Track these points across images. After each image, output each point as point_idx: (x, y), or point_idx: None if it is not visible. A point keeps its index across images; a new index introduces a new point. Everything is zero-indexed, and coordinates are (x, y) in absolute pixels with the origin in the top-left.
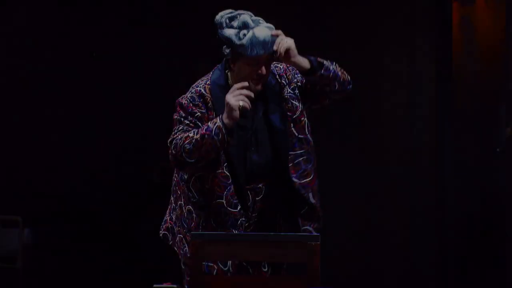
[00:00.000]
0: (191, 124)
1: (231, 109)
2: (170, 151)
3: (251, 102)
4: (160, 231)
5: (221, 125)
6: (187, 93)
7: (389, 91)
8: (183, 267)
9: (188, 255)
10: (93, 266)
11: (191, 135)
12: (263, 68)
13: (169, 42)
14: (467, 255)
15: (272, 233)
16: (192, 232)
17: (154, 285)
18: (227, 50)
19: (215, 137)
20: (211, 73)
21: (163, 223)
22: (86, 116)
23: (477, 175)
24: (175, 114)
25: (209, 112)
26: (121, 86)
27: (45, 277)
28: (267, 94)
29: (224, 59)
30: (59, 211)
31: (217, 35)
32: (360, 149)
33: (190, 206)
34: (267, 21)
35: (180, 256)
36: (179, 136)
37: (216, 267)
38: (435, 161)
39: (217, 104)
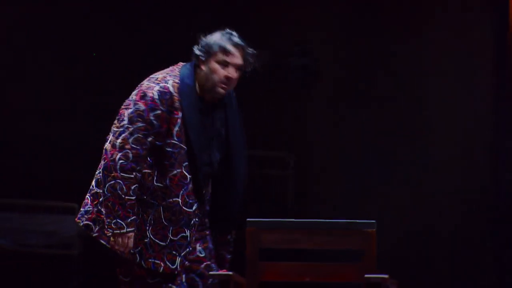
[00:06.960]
0: (141, 128)
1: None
2: (112, 154)
3: (208, 110)
4: (81, 221)
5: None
6: (152, 83)
7: (444, 84)
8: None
9: (133, 251)
10: None
11: (126, 202)
12: (233, 72)
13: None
14: None
15: (327, 220)
16: (248, 220)
17: None
18: (198, 51)
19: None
20: (177, 68)
21: (83, 213)
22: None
23: None
24: (131, 101)
25: (174, 112)
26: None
27: (101, 264)
28: (227, 105)
29: (194, 59)
30: None
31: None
32: (410, 142)
33: None
34: None
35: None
36: (130, 172)
37: (162, 265)
38: (490, 156)
39: (185, 104)
